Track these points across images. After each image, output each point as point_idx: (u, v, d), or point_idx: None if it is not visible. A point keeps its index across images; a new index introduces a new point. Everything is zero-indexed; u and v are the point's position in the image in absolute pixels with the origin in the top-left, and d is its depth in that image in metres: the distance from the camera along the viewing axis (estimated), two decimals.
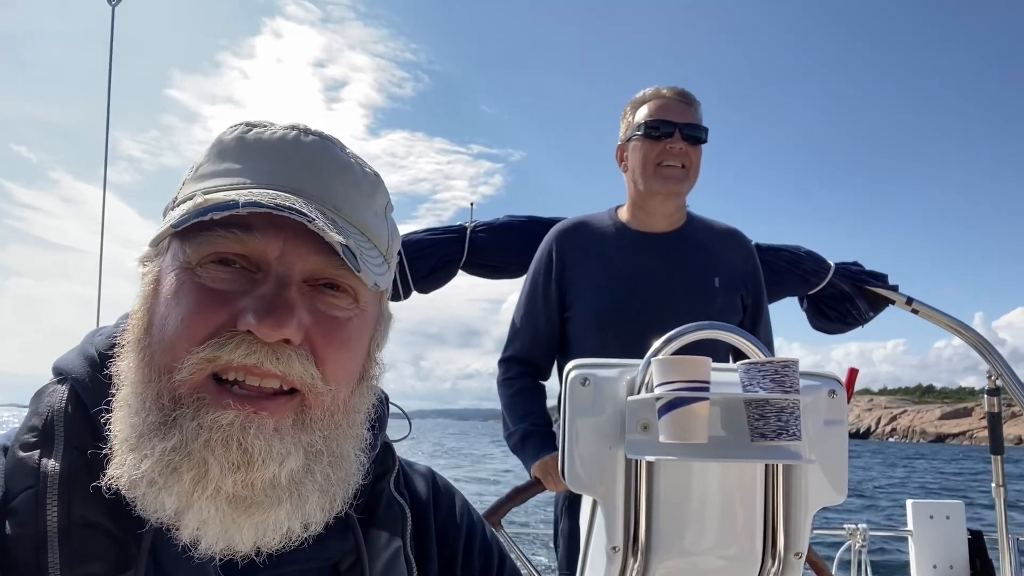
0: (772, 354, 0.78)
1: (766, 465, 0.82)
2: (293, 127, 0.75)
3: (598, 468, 0.80)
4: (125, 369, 0.70)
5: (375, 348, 0.80)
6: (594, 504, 0.84)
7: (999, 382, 2.64)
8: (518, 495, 2.07)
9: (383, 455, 0.87)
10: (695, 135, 2.06)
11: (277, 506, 0.68)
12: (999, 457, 2.67)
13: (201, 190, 0.72)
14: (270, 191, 0.69)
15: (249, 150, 0.73)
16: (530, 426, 2.11)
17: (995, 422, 2.68)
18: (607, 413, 0.81)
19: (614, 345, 1.99)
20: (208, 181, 0.72)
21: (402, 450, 0.94)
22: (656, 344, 0.81)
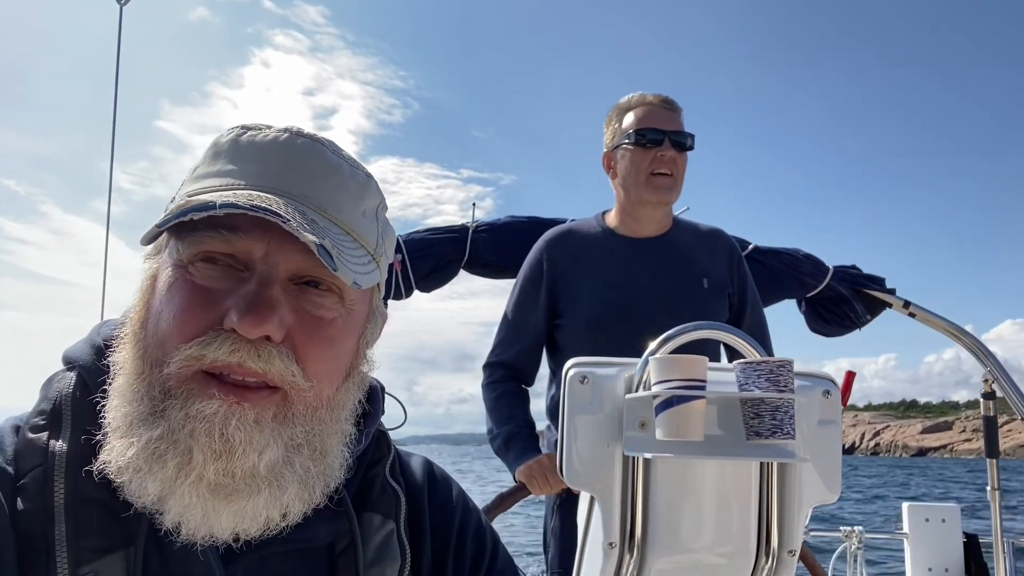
0: (769, 347, 0.80)
1: (761, 463, 0.83)
2: (286, 130, 0.77)
3: (596, 465, 0.81)
4: (122, 360, 0.74)
5: (364, 345, 0.82)
6: (591, 500, 0.85)
7: (995, 386, 2.65)
8: (503, 501, 2.04)
9: (377, 443, 0.89)
10: (683, 142, 2.05)
11: (256, 495, 0.70)
12: (994, 461, 2.68)
13: (190, 191, 0.74)
14: (253, 191, 0.71)
15: (242, 152, 0.76)
16: (514, 428, 2.11)
17: (991, 426, 2.68)
18: (605, 411, 0.82)
19: (609, 350, 1.97)
20: (202, 182, 0.75)
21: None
22: (653, 344, 0.82)
